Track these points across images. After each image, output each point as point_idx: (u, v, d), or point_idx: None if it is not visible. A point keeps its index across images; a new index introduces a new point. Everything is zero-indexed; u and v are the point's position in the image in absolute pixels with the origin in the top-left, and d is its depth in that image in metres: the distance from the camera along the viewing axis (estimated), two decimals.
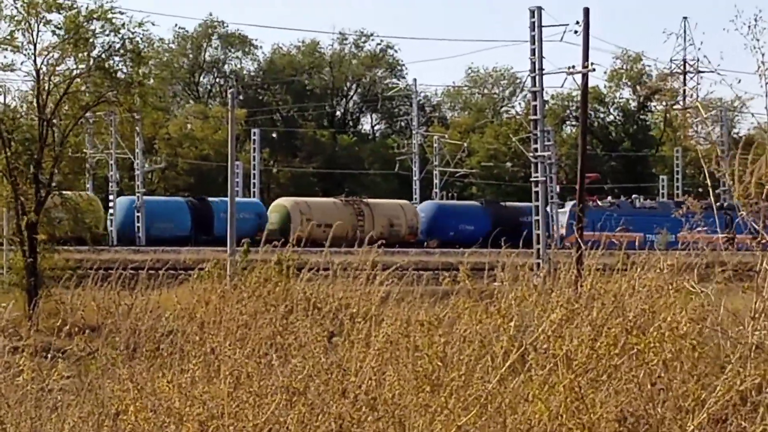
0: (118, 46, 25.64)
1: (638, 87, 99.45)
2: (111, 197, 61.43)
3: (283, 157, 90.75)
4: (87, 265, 26.46)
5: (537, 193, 38.32)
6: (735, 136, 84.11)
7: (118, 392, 9.23)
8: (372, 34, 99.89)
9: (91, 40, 25.37)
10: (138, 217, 61.77)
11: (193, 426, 8.35)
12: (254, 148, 73.50)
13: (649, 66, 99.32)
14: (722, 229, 12.51)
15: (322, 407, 8.30)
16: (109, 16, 25.31)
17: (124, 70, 26.15)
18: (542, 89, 38.69)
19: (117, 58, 25.88)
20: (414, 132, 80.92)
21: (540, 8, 37.96)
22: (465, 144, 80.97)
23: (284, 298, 11.62)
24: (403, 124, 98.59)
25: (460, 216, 64.78)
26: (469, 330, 8.86)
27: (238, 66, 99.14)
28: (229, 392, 8.48)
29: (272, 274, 11.97)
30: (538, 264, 32.23)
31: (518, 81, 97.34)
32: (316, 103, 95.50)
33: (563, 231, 59.52)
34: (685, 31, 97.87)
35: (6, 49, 25.31)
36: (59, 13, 25.20)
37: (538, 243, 37.01)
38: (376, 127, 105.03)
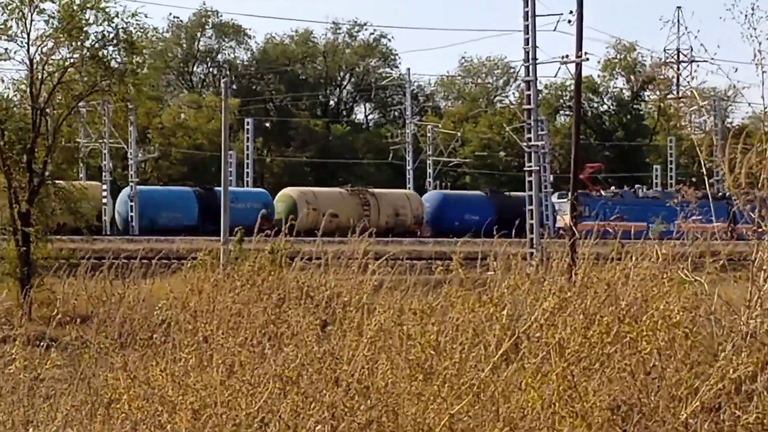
0: (111, 35, 25.61)
1: (632, 77, 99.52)
2: (105, 187, 61.38)
3: (277, 146, 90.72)
4: (81, 254, 26.45)
5: (531, 182, 38.33)
6: (729, 125, 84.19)
7: (111, 381, 9.23)
8: (365, 24, 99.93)
9: (85, 29, 25.33)
10: (131, 206, 61.75)
11: (186, 414, 8.35)
12: (248, 138, 73.48)
13: (643, 56, 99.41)
14: (724, 219, 12.50)
15: (315, 396, 8.30)
16: (103, 5, 25.28)
17: (118, 60, 26.14)
18: (536, 79, 38.70)
19: (111, 48, 25.86)
20: (407, 121, 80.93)
21: None
22: (459, 133, 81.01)
23: (277, 287, 11.62)
24: (396, 113, 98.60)
25: (464, 206, 64.94)
26: (461, 319, 8.86)
27: (232, 55, 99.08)
28: (222, 381, 8.48)
29: (265, 263, 11.97)
30: (532, 253, 32.24)
31: (512, 70, 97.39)
32: (309, 92, 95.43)
33: (567, 220, 59.45)
34: (678, 21, 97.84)
35: (1, 38, 25.28)
36: (53, 2, 25.17)
37: (532, 232, 37.03)
38: (369, 117, 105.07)
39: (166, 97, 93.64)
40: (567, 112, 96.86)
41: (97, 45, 25.62)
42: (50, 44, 25.56)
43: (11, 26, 25.23)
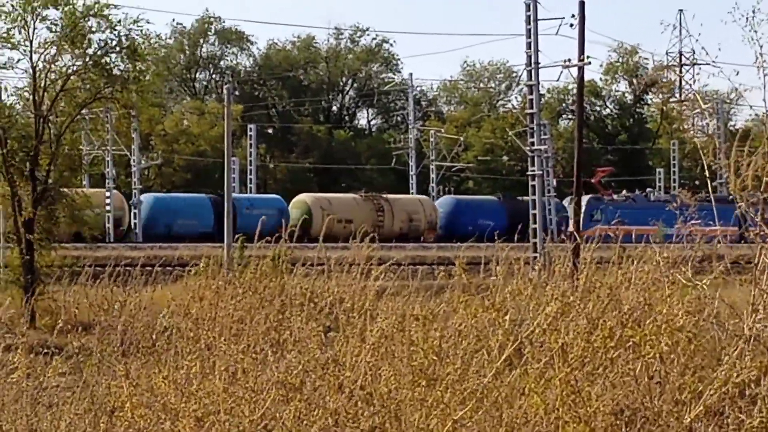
0: (114, 43, 25.62)
1: (634, 80, 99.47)
2: (108, 194, 61.44)
3: (280, 152, 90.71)
4: (85, 262, 26.46)
5: (534, 186, 38.32)
6: (731, 128, 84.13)
7: (113, 389, 9.22)
8: (367, 29, 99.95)
9: (87, 36, 25.34)
10: (135, 213, 61.82)
11: (189, 422, 8.33)
12: (250, 144, 73.49)
13: (645, 59, 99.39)
14: (725, 223, 12.47)
15: (318, 402, 8.29)
16: (105, 12, 25.29)
17: (121, 67, 26.14)
18: (538, 83, 38.72)
19: (114, 55, 25.86)
20: (410, 126, 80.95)
21: (535, 1, 37.97)
22: (461, 138, 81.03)
23: (279, 293, 11.61)
24: (399, 118, 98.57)
25: (477, 211, 65.09)
26: (464, 324, 8.85)
27: (234, 62, 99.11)
28: (224, 388, 8.46)
29: (266, 269, 11.96)
30: (535, 258, 32.23)
31: (514, 75, 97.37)
32: (312, 98, 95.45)
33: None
34: (680, 24, 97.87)
35: (4, 47, 25.30)
36: (56, 9, 25.18)
37: (535, 237, 36.99)
38: (372, 122, 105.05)
39: (169, 104, 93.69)
40: (569, 116, 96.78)
41: (99, 52, 25.63)
42: (53, 52, 25.58)
43: (14, 34, 25.26)
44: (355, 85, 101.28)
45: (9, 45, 25.32)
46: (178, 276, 20.80)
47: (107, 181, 62.25)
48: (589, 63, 35.82)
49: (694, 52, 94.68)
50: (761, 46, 10.74)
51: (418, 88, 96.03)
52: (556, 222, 56.81)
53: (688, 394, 8.09)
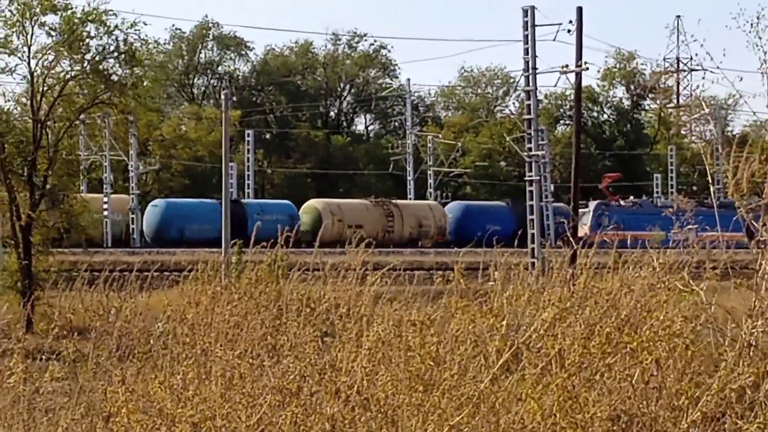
0: (112, 48, 25.62)
1: (632, 86, 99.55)
2: (105, 199, 61.47)
3: (277, 157, 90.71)
4: (82, 267, 26.42)
5: (531, 192, 38.32)
6: (728, 134, 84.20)
7: (110, 394, 9.20)
8: (365, 35, 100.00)
9: (86, 41, 25.34)
10: (132, 218, 61.82)
11: (185, 427, 8.32)
12: (248, 149, 73.49)
13: (642, 65, 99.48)
14: (726, 228, 12.45)
15: (314, 408, 8.27)
16: (104, 18, 25.29)
17: (119, 72, 26.14)
18: (536, 88, 38.74)
19: (111, 60, 25.86)
20: (408, 132, 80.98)
21: (533, 7, 38.00)
22: (459, 144, 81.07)
23: (276, 298, 11.60)
24: (396, 124, 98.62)
25: (486, 216, 65.25)
26: (461, 329, 8.84)
27: (233, 67, 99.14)
28: (221, 393, 8.45)
29: (263, 274, 11.95)
30: (533, 263, 32.21)
31: (512, 80, 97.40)
32: (309, 103, 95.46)
33: (587, 230, 59.56)
34: (678, 30, 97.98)
35: (2, 52, 25.29)
36: (55, 14, 25.18)
37: (533, 242, 36.99)
38: (370, 128, 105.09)
39: (167, 109, 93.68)
40: (567, 122, 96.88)
41: (98, 57, 25.64)
42: (51, 57, 25.58)
43: (12, 40, 25.26)
44: (352, 90, 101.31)
45: (7, 51, 25.33)
46: (175, 281, 20.77)
47: (105, 186, 62.28)
48: (587, 69, 35.92)
49: (691, 58, 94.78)
50: (765, 53, 10.73)
51: (416, 94, 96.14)
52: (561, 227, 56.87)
53: (685, 399, 8.08)
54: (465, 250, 19.22)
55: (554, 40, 37.25)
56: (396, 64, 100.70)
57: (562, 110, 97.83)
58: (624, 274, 10.90)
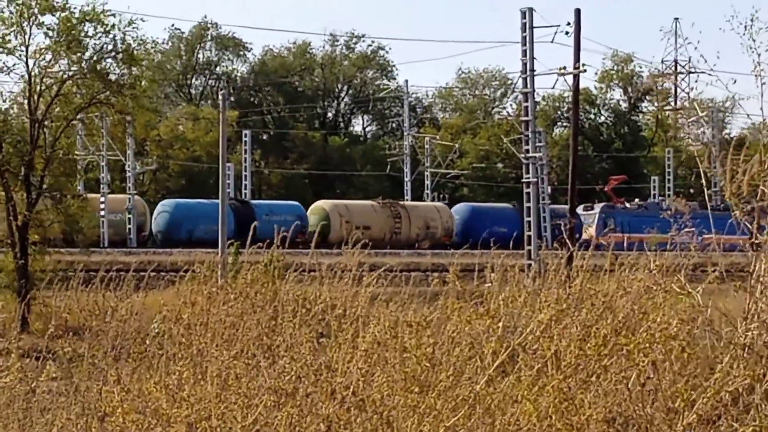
0: (110, 47, 25.61)
1: (629, 88, 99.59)
2: (102, 199, 61.45)
3: (275, 158, 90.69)
4: (78, 267, 26.42)
5: (528, 194, 38.33)
6: (726, 136, 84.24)
7: (105, 394, 9.20)
8: (363, 36, 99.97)
9: (84, 42, 25.34)
10: (129, 218, 61.80)
11: (180, 428, 8.31)
12: (245, 150, 73.48)
13: (640, 67, 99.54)
14: (721, 231, 12.43)
15: (310, 408, 8.27)
16: (102, 18, 25.28)
17: (117, 72, 26.14)
18: (533, 90, 38.75)
19: (109, 60, 25.86)
20: (405, 133, 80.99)
21: (531, 9, 38.00)
22: (456, 145, 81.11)
23: (271, 299, 11.59)
24: (394, 125, 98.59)
25: (493, 218, 65.48)
26: (457, 331, 8.84)
27: (231, 68, 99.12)
28: (216, 393, 8.44)
29: (258, 275, 11.95)
30: (530, 265, 32.21)
31: (509, 82, 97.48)
32: (307, 104, 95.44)
33: (593, 233, 59.66)
34: (676, 32, 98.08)
35: (0, 52, 25.28)
36: (52, 15, 25.16)
37: (530, 244, 36.99)
38: (367, 129, 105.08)
39: (164, 109, 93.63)
40: (565, 124, 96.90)
41: (95, 57, 25.63)
42: (48, 57, 25.58)
43: (10, 39, 25.25)
44: (350, 91, 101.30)
45: (5, 50, 25.32)
46: (171, 281, 20.79)
47: (102, 186, 62.26)
48: (585, 71, 35.96)
49: (689, 60, 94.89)
50: (759, 55, 10.73)
51: (414, 95, 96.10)
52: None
53: (681, 402, 8.07)
54: (461, 251, 19.20)
55: (552, 41, 37.28)
56: (394, 65, 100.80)
57: (559, 112, 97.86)
58: (620, 276, 10.90)
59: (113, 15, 25.40)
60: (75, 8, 25.25)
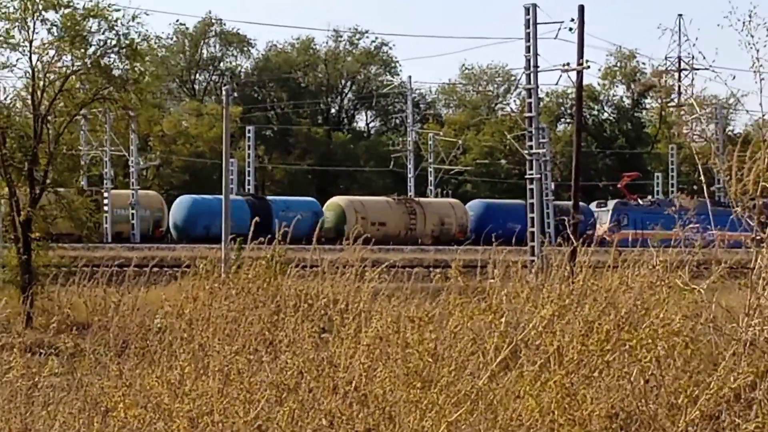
0: (113, 42, 25.60)
1: (632, 84, 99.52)
2: (106, 195, 61.52)
3: (278, 154, 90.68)
4: (82, 262, 26.46)
5: (532, 190, 38.31)
6: (729, 133, 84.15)
7: (107, 389, 9.20)
8: (366, 31, 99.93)
9: (87, 38, 25.33)
10: (132, 214, 61.84)
11: (182, 422, 8.31)
12: (249, 146, 73.50)
13: (643, 63, 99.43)
14: (722, 227, 12.42)
15: (312, 403, 8.27)
16: (106, 14, 25.27)
17: (120, 67, 26.13)
18: (537, 86, 38.72)
19: (113, 56, 25.85)
20: (409, 129, 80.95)
21: (535, 5, 37.97)
22: (460, 141, 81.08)
23: (274, 294, 11.59)
24: (397, 121, 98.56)
25: (507, 214, 65.52)
26: (460, 326, 8.83)
27: (234, 63, 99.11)
28: (218, 389, 8.44)
29: (261, 271, 11.94)
30: (533, 261, 32.20)
31: (513, 78, 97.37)
32: (311, 100, 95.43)
33: (606, 229, 59.66)
34: (680, 29, 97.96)
35: (3, 47, 25.27)
36: (56, 11, 25.14)
37: (533, 241, 36.96)
38: (371, 125, 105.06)
39: (168, 105, 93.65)
40: (568, 120, 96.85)
41: (99, 52, 25.62)
42: (52, 52, 25.57)
43: (14, 35, 25.24)
44: (353, 87, 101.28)
45: (8, 45, 25.32)
46: (174, 276, 20.82)
47: (105, 181, 62.31)
48: (588, 67, 35.88)
49: (693, 57, 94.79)
50: (758, 51, 10.71)
51: (417, 91, 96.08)
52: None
53: (683, 398, 8.06)
54: (464, 247, 19.19)
55: (556, 38, 37.26)
56: (397, 61, 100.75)
57: (563, 108, 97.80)
58: (624, 272, 10.89)
59: (117, 10, 25.40)
60: (79, 3, 25.25)
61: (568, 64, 36.44)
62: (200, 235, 58.24)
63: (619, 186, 71.89)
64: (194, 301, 11.09)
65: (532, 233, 37.24)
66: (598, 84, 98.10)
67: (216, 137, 75.99)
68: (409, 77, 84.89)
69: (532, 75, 38.03)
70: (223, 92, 35.98)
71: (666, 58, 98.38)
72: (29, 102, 25.62)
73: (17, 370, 10.37)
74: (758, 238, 9.85)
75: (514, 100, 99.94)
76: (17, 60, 25.48)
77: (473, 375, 8.22)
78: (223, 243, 31.25)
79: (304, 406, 8.24)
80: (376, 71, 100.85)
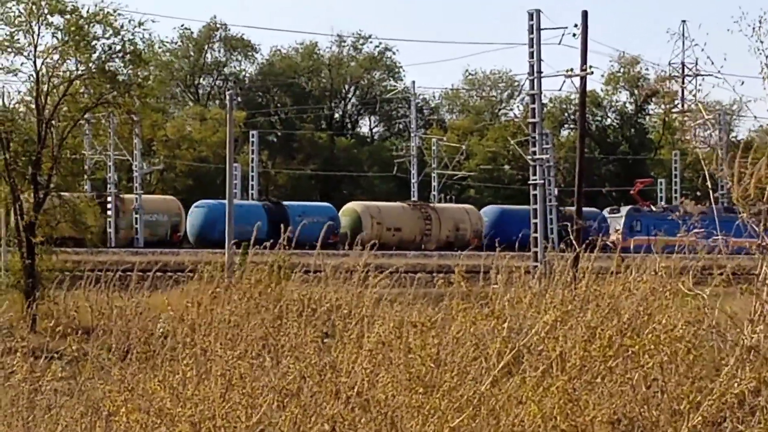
0: (118, 48, 25.63)
1: (636, 90, 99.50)
2: (110, 199, 61.56)
3: (282, 159, 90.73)
4: (86, 267, 26.48)
5: (535, 195, 38.31)
6: (734, 139, 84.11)
7: (110, 393, 9.20)
8: (370, 36, 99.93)
9: (92, 43, 25.36)
10: (136, 218, 61.86)
11: (184, 427, 8.31)
12: (252, 150, 73.55)
13: (646, 69, 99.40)
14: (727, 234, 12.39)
15: (314, 408, 8.27)
16: (110, 20, 25.29)
17: (124, 72, 26.15)
18: (540, 92, 38.72)
19: (117, 61, 25.87)
20: (412, 134, 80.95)
21: (539, 11, 37.97)
22: (464, 147, 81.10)
23: (277, 299, 11.59)
24: (401, 126, 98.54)
25: (522, 220, 65.55)
26: (462, 331, 8.83)
27: (238, 68, 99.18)
28: (221, 393, 8.44)
29: (264, 275, 11.95)
30: (536, 267, 32.19)
31: (516, 84, 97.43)
32: (314, 105, 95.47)
33: (619, 236, 59.66)
34: (683, 34, 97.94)
35: (8, 51, 25.28)
36: (61, 16, 25.16)
37: (536, 246, 36.94)
38: (374, 130, 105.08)
39: (171, 110, 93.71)
40: (571, 126, 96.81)
41: (104, 57, 25.65)
42: (56, 57, 25.60)
43: (18, 39, 25.27)
44: (357, 92, 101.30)
45: (13, 50, 25.34)
46: (179, 281, 20.84)
47: (108, 186, 62.36)
48: (592, 73, 35.91)
49: (696, 63, 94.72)
50: (767, 57, 10.69)
51: (421, 96, 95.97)
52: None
53: (686, 404, 8.06)
54: (466, 253, 19.20)
55: (559, 43, 37.23)
56: (401, 67, 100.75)
57: (566, 114, 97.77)
58: (627, 277, 10.88)
59: (121, 15, 25.41)
60: (83, 7, 25.27)
61: (571, 69, 36.45)
62: (217, 240, 58.37)
63: (631, 192, 72.00)
64: (198, 306, 11.10)
65: (535, 239, 37.22)
66: (602, 90, 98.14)
67: (219, 142, 75.99)
68: (413, 82, 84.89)
69: (535, 80, 38.02)
70: (227, 97, 36.04)
71: (670, 64, 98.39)
72: (33, 106, 25.64)
73: (20, 374, 10.38)
74: (764, 244, 9.85)
75: (518, 106, 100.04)
76: (21, 64, 25.53)
77: (476, 380, 8.22)
78: (227, 247, 31.29)
79: (306, 411, 8.24)
80: (380, 76, 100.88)
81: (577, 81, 37.31)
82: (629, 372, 8.30)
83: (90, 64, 25.62)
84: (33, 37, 25.30)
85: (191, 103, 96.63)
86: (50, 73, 25.63)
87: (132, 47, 25.68)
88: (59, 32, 25.31)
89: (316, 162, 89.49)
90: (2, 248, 27.97)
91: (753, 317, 9.29)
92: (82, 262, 28.38)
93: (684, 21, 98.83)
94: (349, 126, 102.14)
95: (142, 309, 14.01)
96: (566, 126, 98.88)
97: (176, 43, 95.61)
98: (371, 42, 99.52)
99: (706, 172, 10.92)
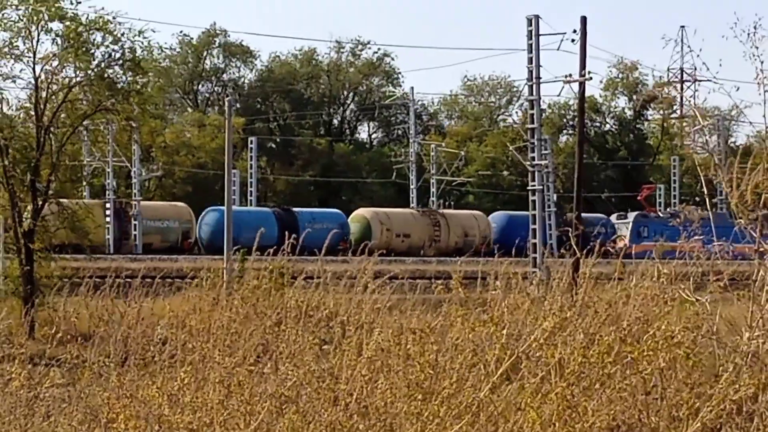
0: (118, 55, 25.59)
1: (634, 96, 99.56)
2: (108, 205, 61.53)
3: (281, 165, 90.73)
4: (85, 273, 26.44)
5: (534, 201, 38.29)
6: (732, 145, 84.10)
7: (108, 400, 9.19)
8: (369, 42, 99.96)
9: (92, 50, 25.32)
10: (135, 225, 61.85)
11: None
12: (251, 156, 73.57)
13: (645, 75, 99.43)
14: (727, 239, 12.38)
15: (313, 415, 8.26)
16: (110, 27, 25.25)
17: (124, 79, 26.10)
18: (539, 98, 38.70)
19: (117, 68, 25.83)
20: (411, 140, 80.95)
21: (537, 17, 37.98)
22: (462, 152, 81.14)
23: (276, 305, 11.58)
24: (400, 132, 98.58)
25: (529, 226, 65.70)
26: (461, 338, 8.82)
27: (237, 74, 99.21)
28: (219, 400, 8.43)
29: (264, 282, 11.94)
30: (534, 272, 32.17)
31: (515, 89, 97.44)
32: (313, 111, 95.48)
33: (626, 241, 59.64)
34: (682, 40, 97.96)
35: (7, 57, 25.24)
36: (61, 23, 25.12)
37: (534, 252, 36.92)
38: (373, 136, 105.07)
39: (170, 116, 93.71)
40: (570, 132, 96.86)
41: (103, 64, 25.61)
42: (55, 63, 25.57)
43: (17, 45, 25.24)
44: (356, 98, 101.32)
45: (12, 56, 25.30)
46: (178, 288, 20.81)
47: (107, 192, 62.33)
48: (591, 78, 35.83)
49: (695, 68, 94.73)
50: (762, 63, 10.71)
51: (419, 102, 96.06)
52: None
53: (685, 410, 8.05)
54: (464, 259, 19.19)
55: (558, 49, 37.23)
56: (399, 73, 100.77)
57: (565, 120, 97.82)
58: (626, 284, 10.88)
59: (120, 23, 25.38)
60: (83, 16, 25.23)
61: (570, 75, 36.40)
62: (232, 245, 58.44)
63: (638, 198, 72.10)
64: (199, 312, 11.09)
65: (534, 244, 37.19)
66: (601, 95, 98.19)
67: (218, 148, 75.99)
68: (412, 88, 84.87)
69: (534, 86, 38.02)
70: (226, 103, 36.01)
71: (668, 70, 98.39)
72: (32, 113, 25.60)
73: (19, 380, 10.37)
74: (761, 250, 9.85)
75: (517, 112, 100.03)
76: (20, 71, 25.48)
77: (474, 387, 8.21)
78: (225, 254, 31.27)
79: (304, 418, 8.22)
80: (379, 82, 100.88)
81: (575, 87, 37.28)
82: (628, 378, 8.30)
83: (89, 71, 25.58)
84: (32, 43, 25.27)
85: (190, 110, 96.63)
86: (49, 80, 25.58)
87: (131, 55, 25.65)
88: (59, 39, 25.28)
89: (314, 168, 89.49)
90: (1, 255, 27.92)
91: (751, 323, 9.29)
92: (81, 269, 28.34)
93: (683, 27, 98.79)
94: (347, 132, 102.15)
95: (142, 315, 14.00)
96: (565, 132, 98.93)
97: (175, 49, 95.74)
98: (370, 48, 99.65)
99: (702, 179, 10.92)
